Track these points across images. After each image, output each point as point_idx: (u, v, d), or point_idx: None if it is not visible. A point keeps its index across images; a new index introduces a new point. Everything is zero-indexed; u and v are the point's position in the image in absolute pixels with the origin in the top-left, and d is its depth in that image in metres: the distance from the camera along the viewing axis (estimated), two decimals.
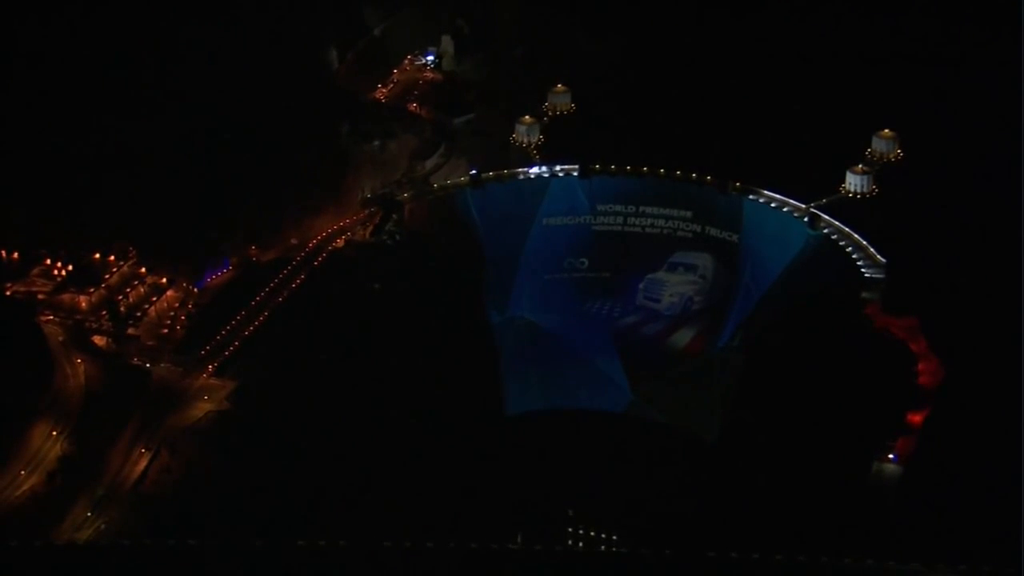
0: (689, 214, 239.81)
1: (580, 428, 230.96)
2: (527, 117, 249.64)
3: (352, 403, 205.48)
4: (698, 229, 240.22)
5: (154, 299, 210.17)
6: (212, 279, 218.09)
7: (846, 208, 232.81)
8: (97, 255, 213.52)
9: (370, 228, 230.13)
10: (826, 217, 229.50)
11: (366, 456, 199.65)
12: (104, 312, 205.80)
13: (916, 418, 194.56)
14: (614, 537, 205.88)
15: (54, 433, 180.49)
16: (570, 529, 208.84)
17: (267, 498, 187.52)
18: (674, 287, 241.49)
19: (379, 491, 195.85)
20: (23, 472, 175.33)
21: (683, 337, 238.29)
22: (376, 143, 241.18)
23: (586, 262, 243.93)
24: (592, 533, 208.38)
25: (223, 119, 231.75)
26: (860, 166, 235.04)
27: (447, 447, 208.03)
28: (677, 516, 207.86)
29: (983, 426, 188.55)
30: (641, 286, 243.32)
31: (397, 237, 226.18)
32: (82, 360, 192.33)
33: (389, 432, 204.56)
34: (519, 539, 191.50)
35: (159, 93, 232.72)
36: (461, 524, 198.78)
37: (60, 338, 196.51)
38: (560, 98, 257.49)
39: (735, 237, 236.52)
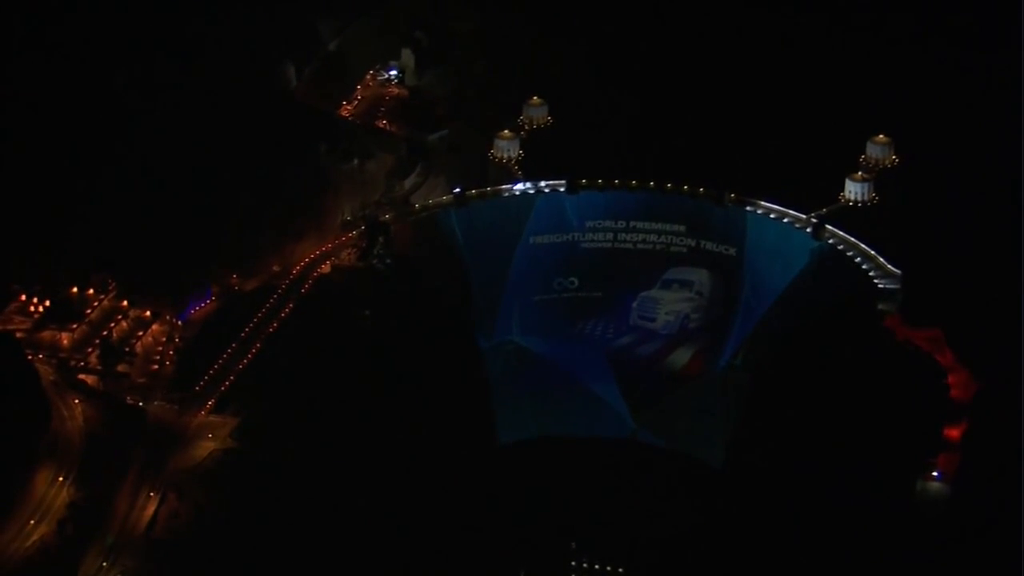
0: (683, 228, 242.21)
1: (578, 455, 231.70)
2: (506, 131, 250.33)
3: (348, 438, 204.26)
4: (693, 243, 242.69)
5: (140, 333, 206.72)
6: (195, 311, 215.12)
7: (848, 217, 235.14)
8: (75, 289, 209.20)
9: (356, 252, 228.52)
10: (830, 227, 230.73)
11: (363, 492, 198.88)
12: (90, 349, 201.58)
13: (954, 433, 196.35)
14: (620, 570, 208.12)
15: (60, 479, 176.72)
16: (574, 563, 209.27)
17: (275, 537, 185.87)
18: (669, 305, 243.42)
19: (375, 528, 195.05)
20: (32, 521, 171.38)
21: (681, 357, 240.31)
22: (355, 163, 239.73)
23: (576, 281, 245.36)
24: (597, 566, 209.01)
25: (193, 144, 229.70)
26: (860, 173, 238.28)
27: (441, 481, 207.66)
28: (687, 545, 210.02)
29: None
30: (635, 305, 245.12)
31: (388, 261, 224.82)
32: (79, 400, 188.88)
33: (383, 467, 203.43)
34: (522, 575, 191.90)
35: (126, 121, 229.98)
36: (460, 561, 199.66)
37: (51, 377, 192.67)
38: (536, 111, 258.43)
39: (732, 251, 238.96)
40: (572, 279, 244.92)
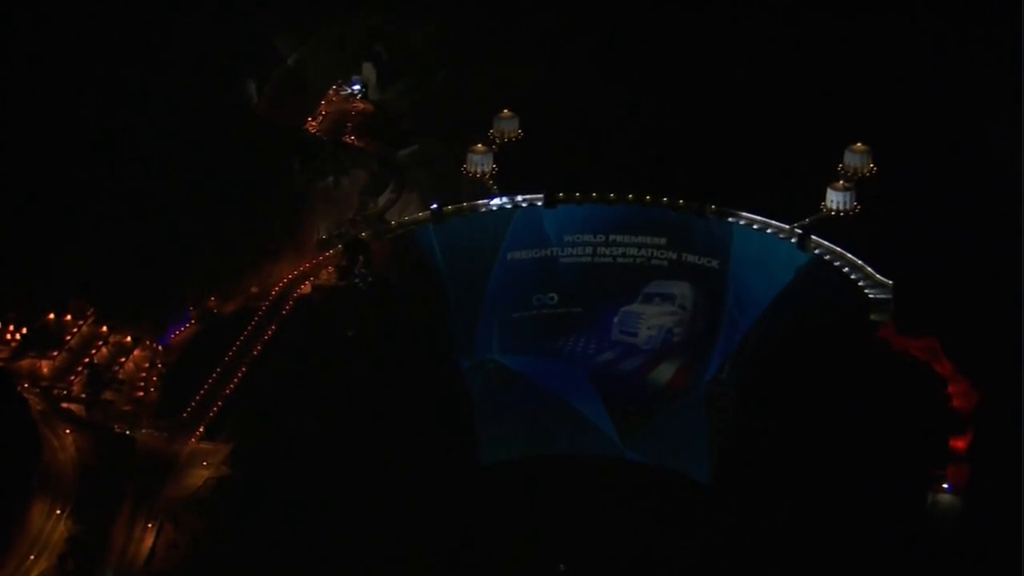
0: (663, 241, 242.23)
1: (563, 475, 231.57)
2: (479, 146, 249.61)
3: (337, 462, 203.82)
4: (674, 256, 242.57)
5: (122, 360, 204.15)
6: (175, 335, 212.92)
7: (832, 226, 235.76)
8: (52, 315, 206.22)
9: (336, 272, 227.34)
10: (815, 237, 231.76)
11: (357, 517, 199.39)
12: (73, 377, 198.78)
13: (960, 443, 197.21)
14: None
15: (57, 512, 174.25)
16: None
17: (275, 564, 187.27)
18: (651, 319, 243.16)
19: (371, 554, 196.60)
20: (32, 557, 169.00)
21: (665, 372, 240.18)
22: (329, 180, 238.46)
23: (555, 297, 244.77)
24: None
25: (164, 165, 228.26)
26: (841, 182, 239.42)
27: (426, 504, 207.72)
28: (677, 565, 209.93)
29: None
30: (616, 320, 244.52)
31: (370, 280, 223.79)
32: (70, 430, 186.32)
33: (374, 491, 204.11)
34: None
35: (95, 144, 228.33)
36: None
37: (38, 407, 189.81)
38: (507, 123, 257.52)
39: (715, 263, 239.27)
40: (551, 295, 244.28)
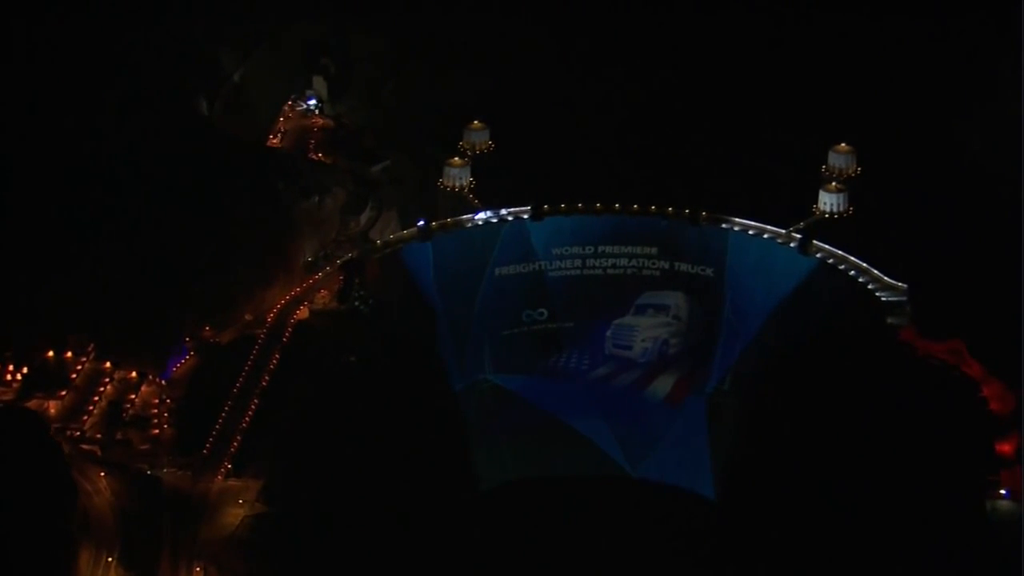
0: (654, 250, 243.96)
1: (565, 496, 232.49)
2: (456, 159, 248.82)
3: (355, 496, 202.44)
4: (666, 266, 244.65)
5: (132, 396, 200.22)
6: (176, 368, 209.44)
7: (827, 229, 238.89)
8: (51, 352, 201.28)
9: (332, 294, 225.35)
10: (816, 241, 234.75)
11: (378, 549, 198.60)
12: (85, 417, 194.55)
13: (1006, 447, 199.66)
14: None
15: (107, 559, 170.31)
16: None
17: None
18: (646, 331, 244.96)
19: None
20: None
21: (663, 385, 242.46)
22: (314, 200, 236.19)
23: (546, 312, 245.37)
24: None
25: (147, 196, 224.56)
26: (833, 184, 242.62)
27: (427, 532, 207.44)
28: None
29: None
30: (609, 333, 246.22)
31: (370, 302, 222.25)
32: (104, 473, 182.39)
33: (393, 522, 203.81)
34: None
35: (76, 178, 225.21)
36: None
37: (65, 450, 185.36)
38: (478, 135, 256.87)
39: (709, 271, 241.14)
40: (541, 310, 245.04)
